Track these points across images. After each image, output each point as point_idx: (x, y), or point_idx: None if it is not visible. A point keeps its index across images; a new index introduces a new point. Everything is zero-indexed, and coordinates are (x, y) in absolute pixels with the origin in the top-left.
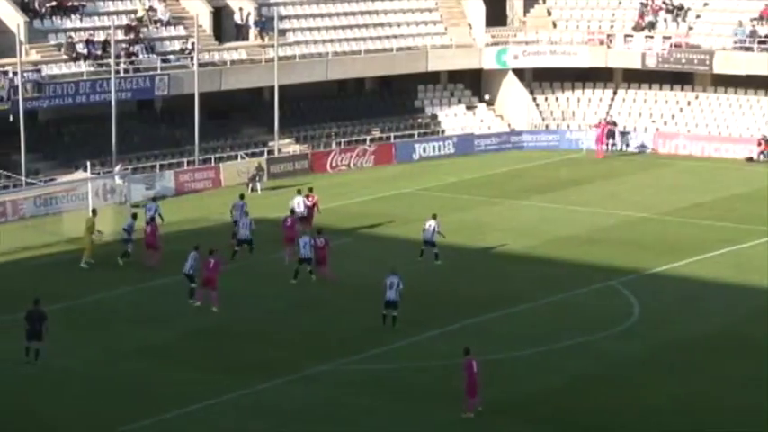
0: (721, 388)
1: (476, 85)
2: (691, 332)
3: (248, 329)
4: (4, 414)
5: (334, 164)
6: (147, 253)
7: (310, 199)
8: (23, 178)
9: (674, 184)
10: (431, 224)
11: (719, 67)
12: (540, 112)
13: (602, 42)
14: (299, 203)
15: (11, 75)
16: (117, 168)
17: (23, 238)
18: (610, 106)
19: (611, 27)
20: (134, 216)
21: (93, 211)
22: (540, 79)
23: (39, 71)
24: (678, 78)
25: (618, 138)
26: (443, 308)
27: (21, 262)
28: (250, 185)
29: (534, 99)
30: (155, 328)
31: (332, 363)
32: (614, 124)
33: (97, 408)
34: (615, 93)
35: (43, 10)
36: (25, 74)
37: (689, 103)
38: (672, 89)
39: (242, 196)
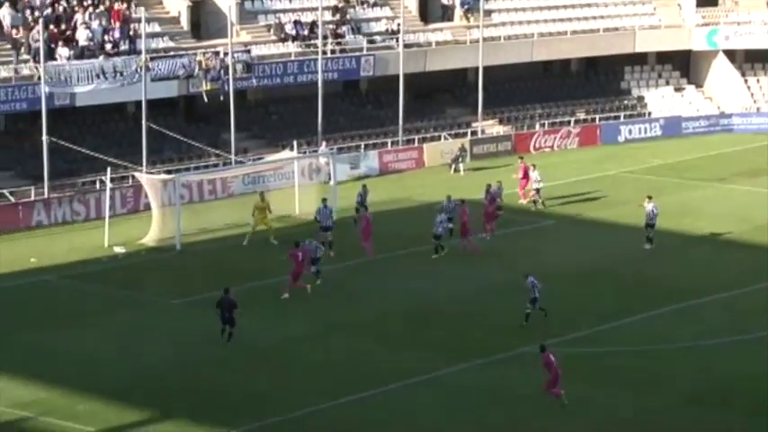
0: None
1: (684, 66)
2: None
3: (453, 310)
4: (223, 390)
5: (537, 145)
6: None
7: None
8: (233, 156)
9: None
10: (650, 206)
11: None
12: (752, 95)
13: None
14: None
15: (222, 55)
16: (322, 148)
17: (231, 216)
18: None
19: None
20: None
21: (261, 195)
22: (752, 60)
23: (248, 51)
24: None
25: None
26: (651, 292)
27: (228, 239)
28: (453, 166)
29: (746, 81)
30: (355, 306)
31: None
32: None
33: (305, 384)
34: None
35: None
36: (236, 54)
37: None
38: None
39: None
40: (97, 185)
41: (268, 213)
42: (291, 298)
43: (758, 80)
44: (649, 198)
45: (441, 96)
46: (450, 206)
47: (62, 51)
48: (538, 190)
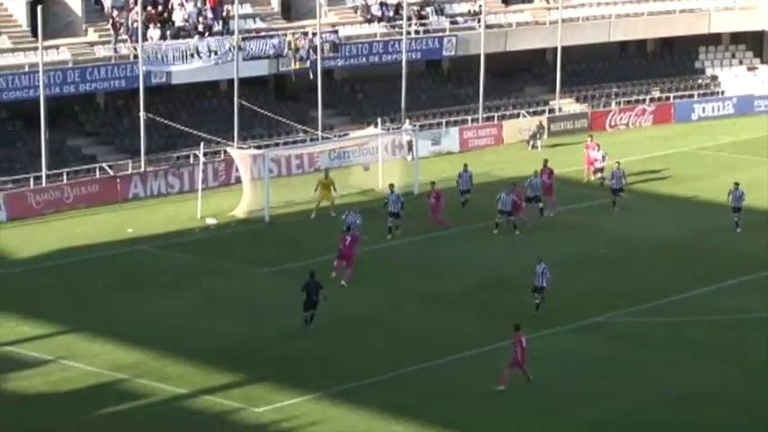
0: None
1: (757, 46)
2: None
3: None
4: (305, 356)
5: (612, 123)
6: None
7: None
8: (319, 132)
9: None
10: (739, 190)
11: None
12: None
13: None
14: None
15: (310, 35)
16: (406, 125)
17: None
18: None
19: None
20: (390, 186)
21: (326, 172)
22: None
23: (336, 32)
24: None
25: None
26: (722, 265)
27: (315, 211)
28: (531, 142)
29: None
30: (433, 279)
31: (607, 314)
32: None
33: (383, 351)
34: None
35: None
36: (323, 34)
37: None
38: None
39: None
40: (191, 160)
41: (333, 190)
42: (371, 271)
43: None
44: (736, 185)
45: (520, 75)
46: (535, 182)
47: (156, 32)
48: (601, 169)
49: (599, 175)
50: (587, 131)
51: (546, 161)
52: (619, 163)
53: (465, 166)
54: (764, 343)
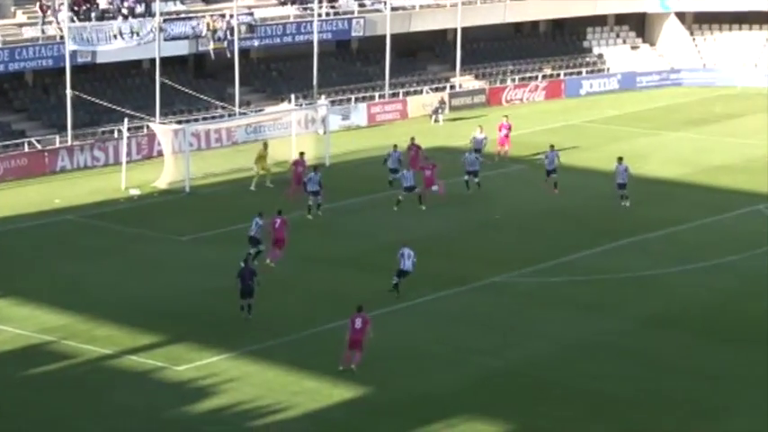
0: None
1: (640, 27)
2: None
3: (431, 245)
4: (227, 316)
5: (508, 98)
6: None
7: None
8: (237, 108)
9: None
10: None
11: None
12: (699, 52)
13: None
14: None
15: (227, 17)
16: (321, 100)
17: (236, 162)
18: (764, 46)
19: None
20: (314, 168)
21: (265, 144)
22: (700, 21)
23: (251, 14)
24: None
25: None
26: (607, 229)
27: (232, 182)
28: (433, 117)
29: (693, 40)
30: (345, 243)
31: (504, 275)
32: None
33: (301, 310)
34: None
35: None
36: (240, 16)
37: None
38: None
39: (395, 146)
40: (115, 134)
41: (267, 162)
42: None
43: (705, 39)
44: (620, 159)
45: (423, 54)
46: (471, 158)
47: (82, 14)
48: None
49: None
50: (485, 106)
51: (413, 138)
52: (552, 146)
53: (395, 147)
54: (647, 298)
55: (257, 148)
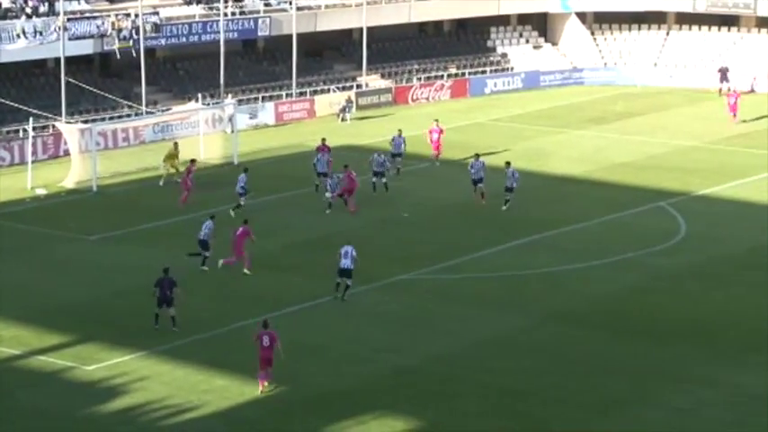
0: (762, 296)
1: (542, 26)
2: (733, 248)
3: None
4: (137, 315)
5: (414, 97)
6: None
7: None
8: (143, 108)
9: (721, 117)
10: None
11: (763, 11)
12: (600, 51)
13: None
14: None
15: (133, 17)
16: (228, 99)
17: (143, 160)
18: (663, 46)
19: None
20: (245, 169)
21: (175, 144)
22: (601, 21)
23: (157, 13)
24: (725, 20)
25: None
26: (511, 226)
27: (142, 181)
28: (340, 116)
29: (594, 39)
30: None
31: (411, 273)
32: (727, 69)
33: (217, 306)
34: (668, 33)
35: None
36: (145, 16)
37: (734, 44)
38: (719, 30)
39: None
40: (21, 134)
41: (177, 161)
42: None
43: (605, 38)
44: (507, 164)
45: (329, 54)
46: (379, 160)
47: None
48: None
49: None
50: (392, 105)
51: (323, 139)
52: (478, 155)
53: (399, 131)
54: (551, 295)
55: (165, 147)
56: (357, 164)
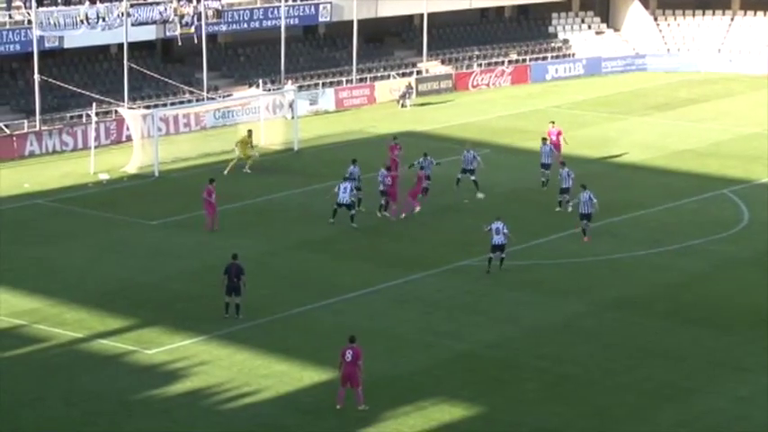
0: None
1: (605, 12)
2: None
3: (400, 230)
4: (197, 300)
5: (475, 83)
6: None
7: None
8: (205, 93)
9: None
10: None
11: None
12: (663, 37)
13: None
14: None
15: (195, 2)
16: (288, 85)
17: (204, 146)
18: (727, 31)
19: None
20: (354, 161)
21: (249, 132)
22: (664, 7)
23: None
24: None
25: None
26: (573, 213)
27: (202, 166)
28: (400, 102)
29: (657, 25)
30: (318, 226)
31: (471, 259)
32: None
33: (273, 294)
34: (732, 19)
35: None
36: (207, 2)
37: None
38: None
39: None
40: (84, 119)
41: (250, 148)
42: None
43: (668, 24)
44: (583, 187)
45: (390, 40)
46: (426, 163)
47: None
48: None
49: None
50: (452, 91)
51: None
52: (465, 143)
53: (543, 140)
54: (613, 282)
55: (226, 132)
56: (414, 150)
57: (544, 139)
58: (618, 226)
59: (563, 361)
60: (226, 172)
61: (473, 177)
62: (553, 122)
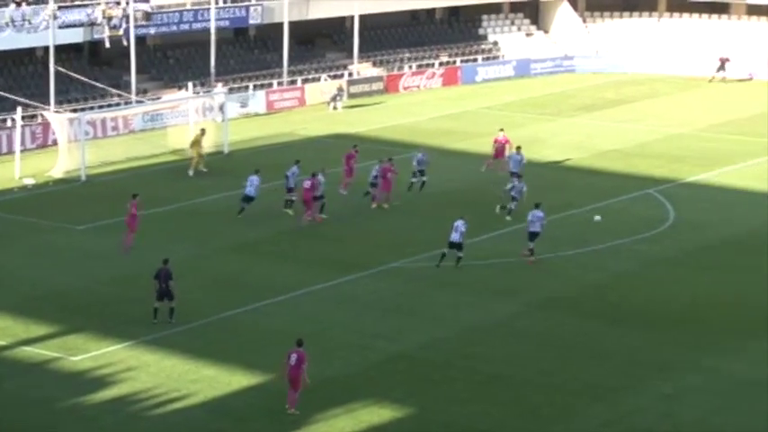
0: (750, 281)
1: (534, 14)
2: (721, 235)
3: (332, 232)
4: (125, 305)
5: (406, 85)
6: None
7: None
8: (133, 96)
9: (711, 104)
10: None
11: None
12: (591, 39)
13: None
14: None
15: (123, 4)
16: (218, 87)
17: (133, 150)
18: (654, 33)
19: None
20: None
21: (202, 130)
22: (592, 9)
23: (147, 1)
24: (715, 8)
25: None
26: (501, 213)
27: (130, 170)
28: (331, 104)
29: (586, 27)
30: (249, 228)
31: (403, 260)
32: (727, 60)
33: (201, 297)
34: (659, 21)
35: None
36: (135, 4)
37: (725, 31)
38: (710, 17)
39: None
40: (8, 123)
41: (202, 147)
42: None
43: (597, 25)
44: (518, 148)
45: (321, 41)
46: (423, 158)
47: None
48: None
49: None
50: (383, 93)
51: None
52: (419, 147)
53: (518, 148)
54: (542, 281)
55: (155, 135)
56: (341, 152)
57: (518, 148)
58: (547, 226)
59: (494, 361)
60: (191, 172)
61: (424, 178)
62: (502, 129)
